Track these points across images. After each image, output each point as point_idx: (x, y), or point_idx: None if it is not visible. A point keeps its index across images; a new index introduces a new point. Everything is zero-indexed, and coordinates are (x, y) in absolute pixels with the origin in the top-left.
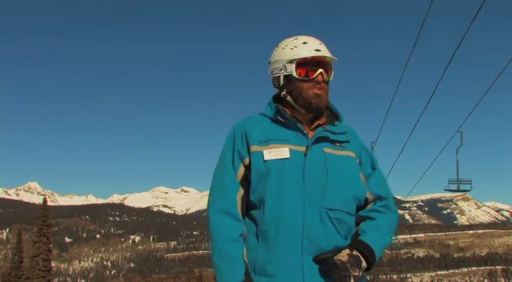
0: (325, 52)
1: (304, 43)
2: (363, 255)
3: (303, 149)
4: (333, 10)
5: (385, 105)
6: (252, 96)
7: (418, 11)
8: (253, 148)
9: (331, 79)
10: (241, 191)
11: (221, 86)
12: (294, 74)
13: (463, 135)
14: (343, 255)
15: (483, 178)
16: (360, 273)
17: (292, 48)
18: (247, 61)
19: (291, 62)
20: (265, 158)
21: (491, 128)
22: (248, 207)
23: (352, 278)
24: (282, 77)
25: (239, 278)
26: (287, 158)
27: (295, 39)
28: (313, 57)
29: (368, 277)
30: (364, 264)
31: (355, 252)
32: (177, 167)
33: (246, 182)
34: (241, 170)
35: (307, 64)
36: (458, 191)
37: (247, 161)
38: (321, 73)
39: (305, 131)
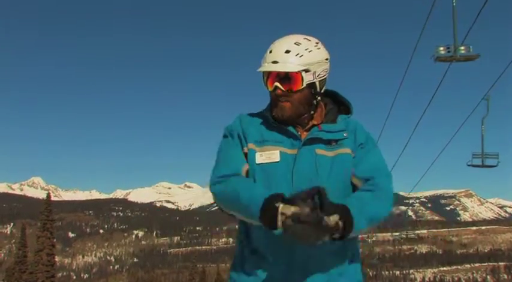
0: (280, 65)
1: (270, 52)
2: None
3: (294, 151)
4: None
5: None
6: (256, 91)
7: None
8: (250, 146)
9: (299, 89)
10: (247, 166)
11: (226, 81)
12: (263, 83)
13: (489, 102)
14: (333, 220)
15: (486, 174)
16: (326, 237)
17: (265, 56)
18: (251, 57)
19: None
20: (257, 162)
21: (492, 124)
22: None
23: (322, 236)
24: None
25: (264, 194)
26: (277, 162)
27: (272, 44)
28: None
29: (370, 273)
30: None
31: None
32: (180, 162)
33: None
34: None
35: (268, 76)
36: (482, 166)
37: (246, 149)
38: (276, 87)
39: (298, 133)
